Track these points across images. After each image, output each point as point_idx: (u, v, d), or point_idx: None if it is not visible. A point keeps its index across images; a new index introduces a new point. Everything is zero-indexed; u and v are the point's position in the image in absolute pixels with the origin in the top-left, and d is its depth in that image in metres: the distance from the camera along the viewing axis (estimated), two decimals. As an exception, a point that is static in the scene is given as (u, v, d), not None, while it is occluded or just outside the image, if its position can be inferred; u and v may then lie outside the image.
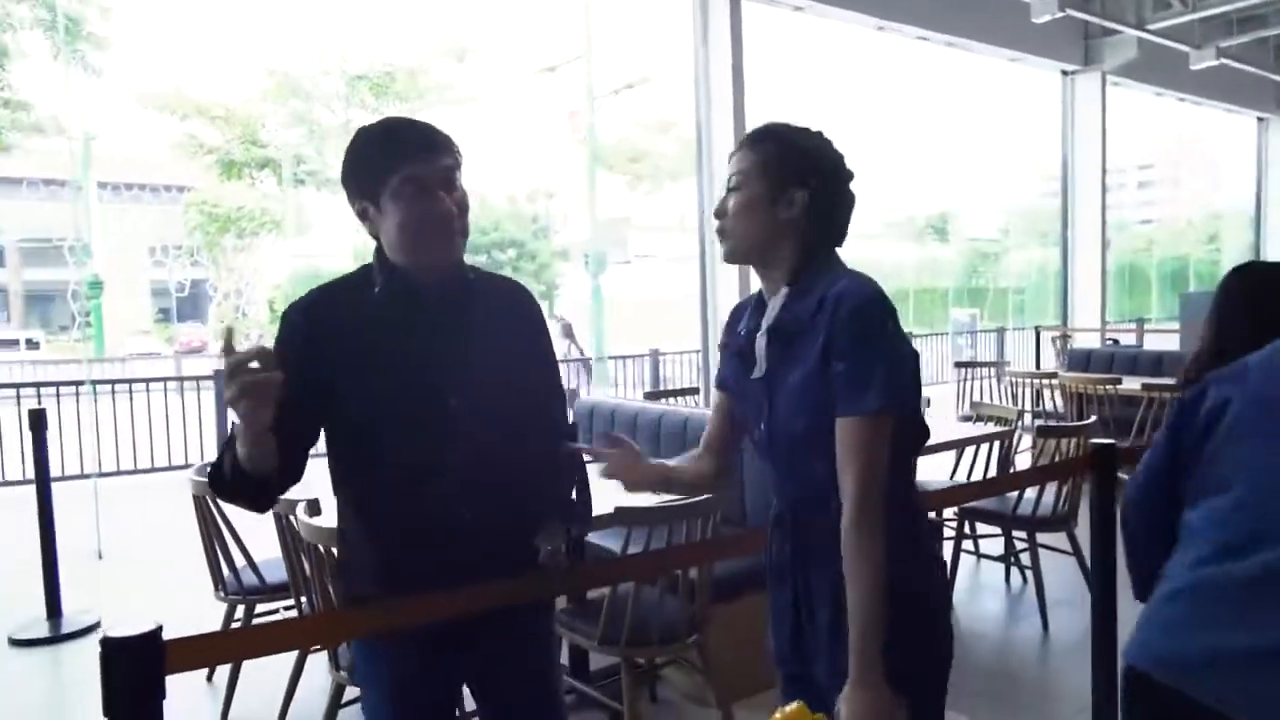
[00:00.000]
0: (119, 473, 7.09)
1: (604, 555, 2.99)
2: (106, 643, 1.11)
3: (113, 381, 7.86)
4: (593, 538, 3.21)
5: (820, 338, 1.33)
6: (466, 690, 1.68)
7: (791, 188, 1.40)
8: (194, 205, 17.76)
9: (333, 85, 14.31)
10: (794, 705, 1.19)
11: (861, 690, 1.26)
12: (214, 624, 3.32)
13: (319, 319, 1.49)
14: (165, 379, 8.81)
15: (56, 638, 3.80)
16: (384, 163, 1.46)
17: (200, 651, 1.24)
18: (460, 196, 1.51)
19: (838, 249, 1.47)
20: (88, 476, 5.69)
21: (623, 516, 2.43)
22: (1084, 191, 10.28)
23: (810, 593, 1.43)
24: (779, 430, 1.41)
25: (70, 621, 3.91)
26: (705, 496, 2.54)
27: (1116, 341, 10.33)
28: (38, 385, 7.41)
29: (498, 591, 1.48)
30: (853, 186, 1.46)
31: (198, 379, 8.27)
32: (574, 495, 1.69)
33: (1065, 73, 10.08)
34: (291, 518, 2.60)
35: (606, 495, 2.56)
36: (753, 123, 6.69)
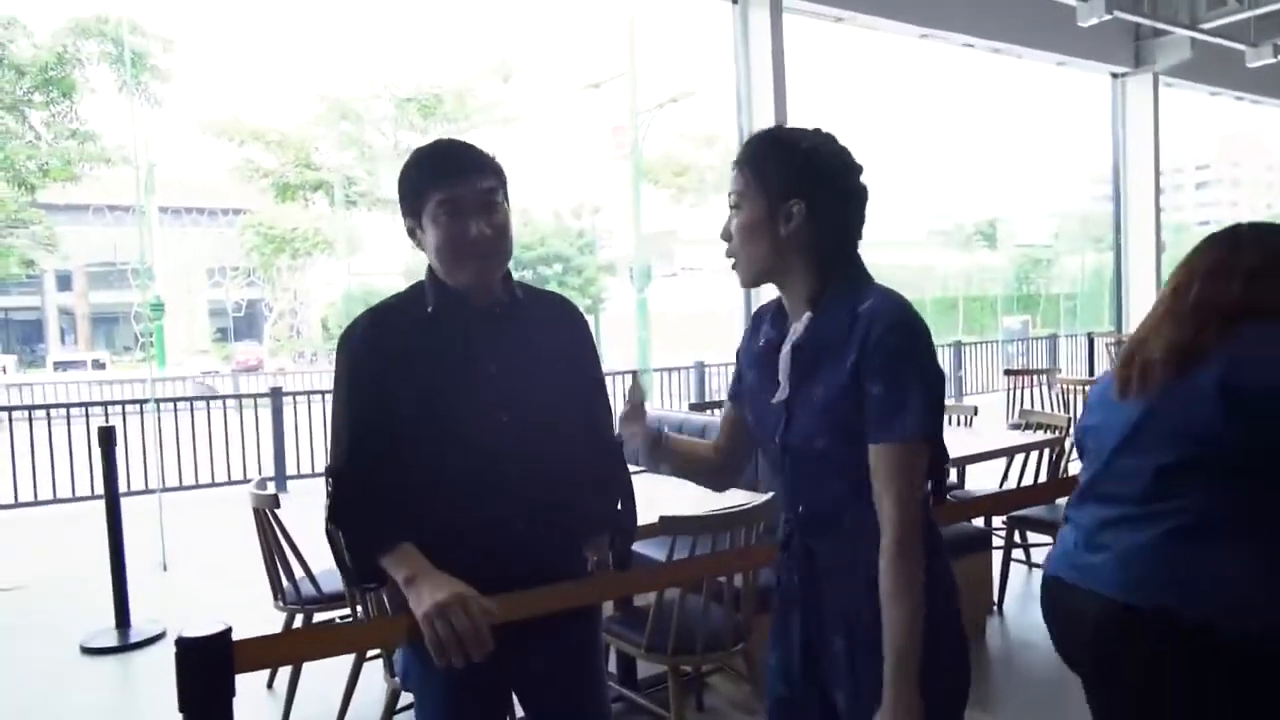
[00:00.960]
0: (181, 488, 7.31)
1: (647, 562, 3.02)
2: (181, 642, 1.18)
3: (175, 400, 8.13)
4: (637, 547, 3.25)
5: (851, 356, 1.29)
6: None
7: (788, 200, 1.33)
8: (250, 227, 18.27)
9: (382, 108, 14.68)
10: None
11: (900, 716, 1.24)
12: (274, 632, 3.44)
13: (379, 340, 1.54)
14: (224, 396, 9.08)
15: (125, 646, 3.95)
16: (423, 184, 1.51)
17: (265, 652, 1.31)
18: (500, 219, 1.53)
19: (857, 251, 1.40)
20: (152, 491, 5.90)
21: (667, 525, 2.47)
22: (1137, 195, 10.08)
23: (822, 621, 1.38)
24: (796, 446, 1.37)
25: (138, 631, 4.05)
26: (749, 505, 2.57)
27: (1174, 347, 10.08)
28: (105, 404, 7.70)
29: (547, 598, 1.51)
30: (863, 180, 1.38)
31: (255, 396, 8.50)
32: (620, 505, 1.73)
33: (1115, 75, 9.91)
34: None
35: (651, 505, 2.61)
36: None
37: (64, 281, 26.94)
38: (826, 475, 1.34)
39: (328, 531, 1.55)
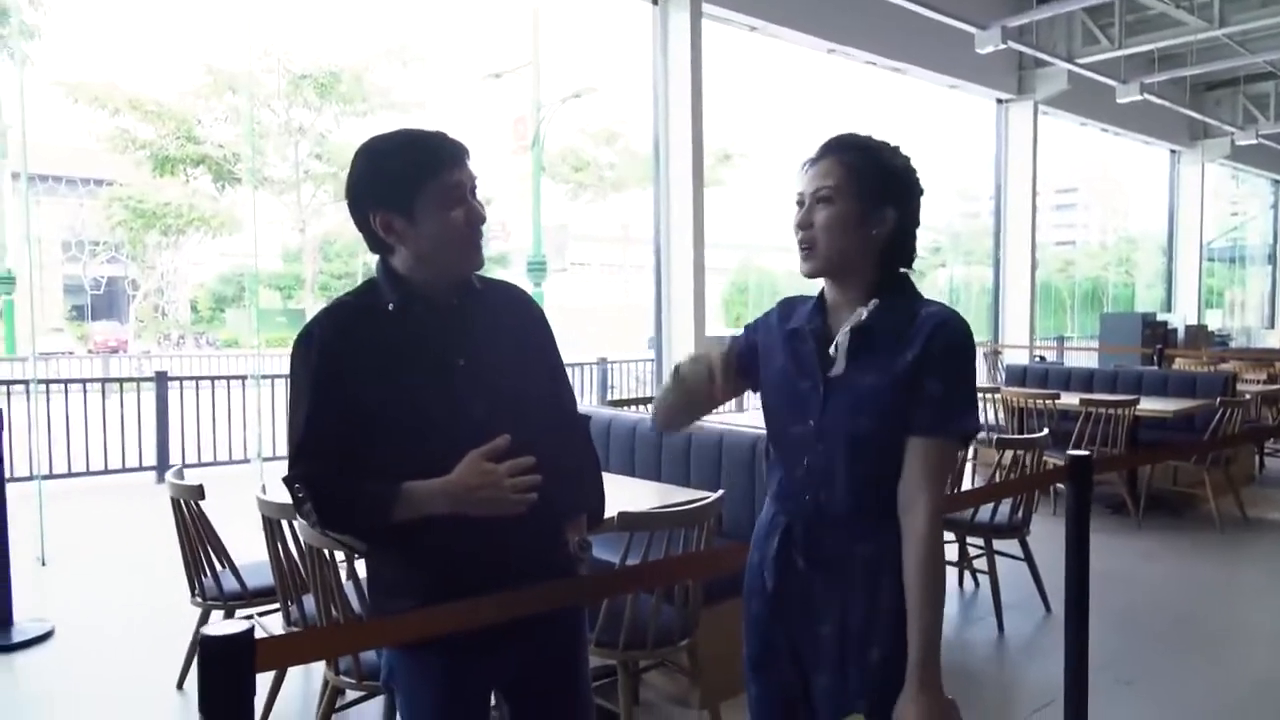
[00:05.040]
0: (53, 476, 6.82)
1: (600, 562, 3.03)
2: (204, 641, 1.14)
3: (48, 381, 7.53)
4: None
5: (914, 351, 1.35)
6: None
7: (884, 205, 1.39)
8: (117, 200, 17.12)
9: (274, 83, 14.01)
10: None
11: (925, 693, 1.32)
12: (184, 629, 3.27)
13: (343, 339, 1.50)
14: (86, 380, 8.42)
15: (8, 647, 3.65)
16: (422, 171, 1.47)
17: (288, 650, 1.26)
18: (483, 205, 1.55)
19: (911, 269, 1.48)
20: (25, 479, 5.47)
21: (625, 521, 2.49)
22: (1015, 214, 10.77)
23: (813, 608, 1.43)
24: (834, 429, 1.40)
25: (22, 630, 3.75)
26: (703, 502, 2.63)
27: (1043, 358, 10.81)
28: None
29: (526, 600, 1.52)
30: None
31: (137, 380, 8.01)
32: (591, 485, 1.77)
33: (1000, 101, 10.54)
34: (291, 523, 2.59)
35: (607, 501, 2.62)
36: (710, 137, 6.73)
37: (-106, 249, 24.47)
38: (857, 460, 1.38)
39: (333, 530, 1.51)
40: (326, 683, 2.63)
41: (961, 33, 8.25)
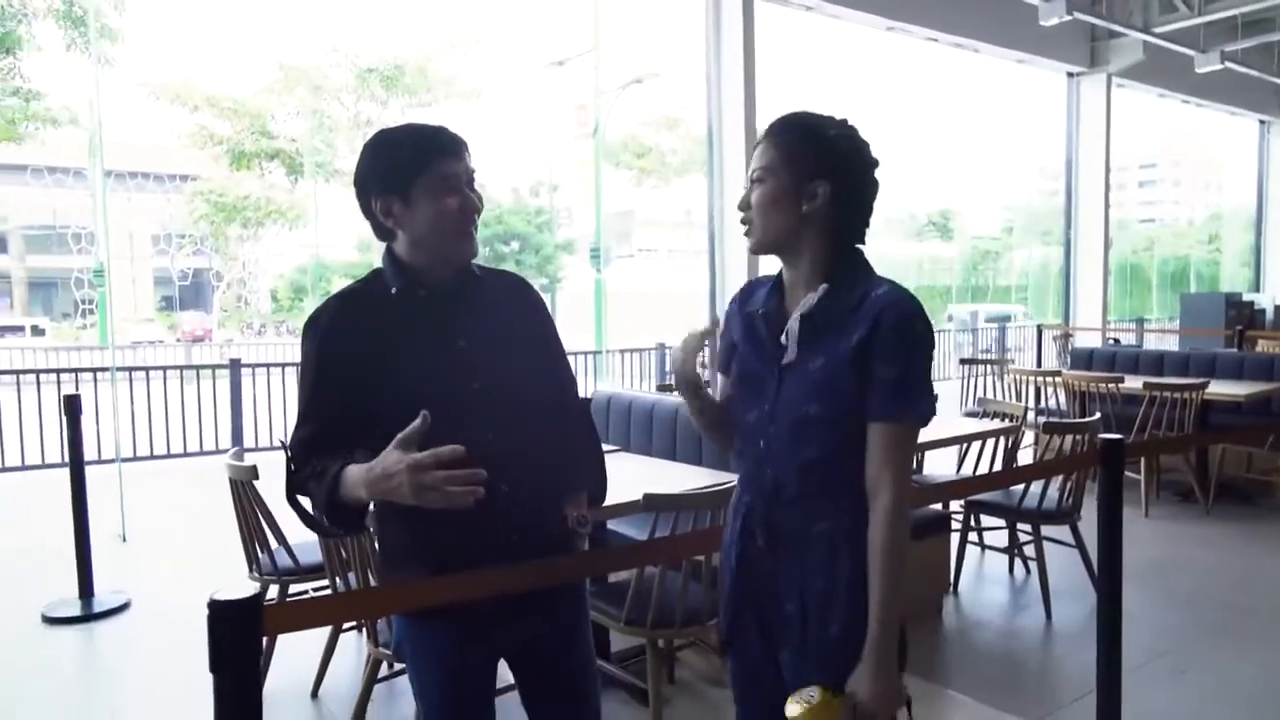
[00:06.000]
0: (135, 458, 7.20)
1: (629, 543, 3.10)
2: (214, 605, 1.22)
3: (131, 369, 7.95)
4: (620, 525, 3.33)
5: (859, 333, 1.36)
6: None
7: (814, 180, 1.40)
8: (200, 194, 17.84)
9: (343, 78, 14.38)
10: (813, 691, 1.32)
11: (880, 674, 1.34)
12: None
13: (348, 323, 1.58)
14: (167, 367, 8.84)
15: (88, 616, 3.91)
16: (419, 159, 1.55)
17: (292, 616, 1.34)
18: (479, 197, 1.62)
19: (862, 244, 1.47)
20: (108, 461, 5.80)
21: (650, 502, 2.54)
22: (1088, 192, 10.39)
23: (776, 583, 1.47)
24: (785, 412, 1.43)
25: (101, 601, 4.01)
26: (728, 484, 2.65)
27: (1117, 341, 10.45)
28: (56, 371, 7.51)
29: (534, 573, 1.58)
30: (877, 174, 1.46)
31: (213, 368, 8.38)
32: (591, 467, 1.81)
33: (1071, 74, 10.17)
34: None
35: (634, 484, 2.68)
36: (764, 121, 6.71)
37: (-1, 244, 26.00)
38: (806, 443, 1.41)
39: (290, 503, 1.55)
40: (369, 654, 2.75)
41: (1026, 5, 7.98)
